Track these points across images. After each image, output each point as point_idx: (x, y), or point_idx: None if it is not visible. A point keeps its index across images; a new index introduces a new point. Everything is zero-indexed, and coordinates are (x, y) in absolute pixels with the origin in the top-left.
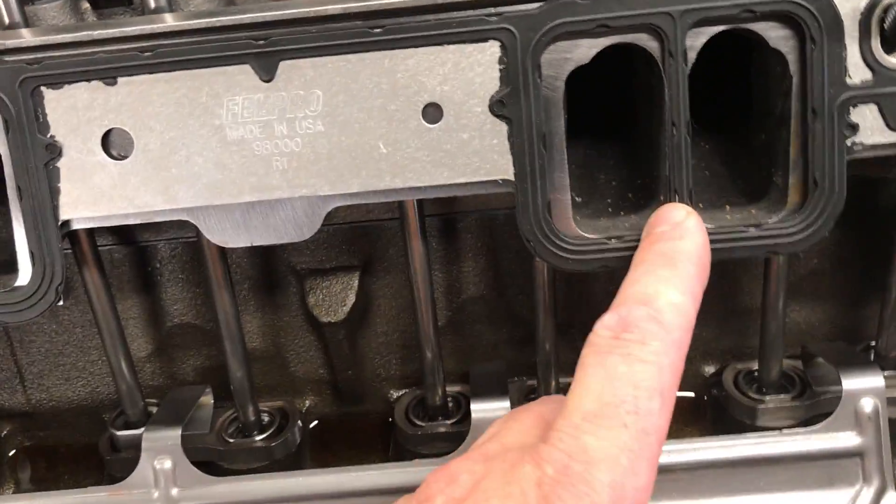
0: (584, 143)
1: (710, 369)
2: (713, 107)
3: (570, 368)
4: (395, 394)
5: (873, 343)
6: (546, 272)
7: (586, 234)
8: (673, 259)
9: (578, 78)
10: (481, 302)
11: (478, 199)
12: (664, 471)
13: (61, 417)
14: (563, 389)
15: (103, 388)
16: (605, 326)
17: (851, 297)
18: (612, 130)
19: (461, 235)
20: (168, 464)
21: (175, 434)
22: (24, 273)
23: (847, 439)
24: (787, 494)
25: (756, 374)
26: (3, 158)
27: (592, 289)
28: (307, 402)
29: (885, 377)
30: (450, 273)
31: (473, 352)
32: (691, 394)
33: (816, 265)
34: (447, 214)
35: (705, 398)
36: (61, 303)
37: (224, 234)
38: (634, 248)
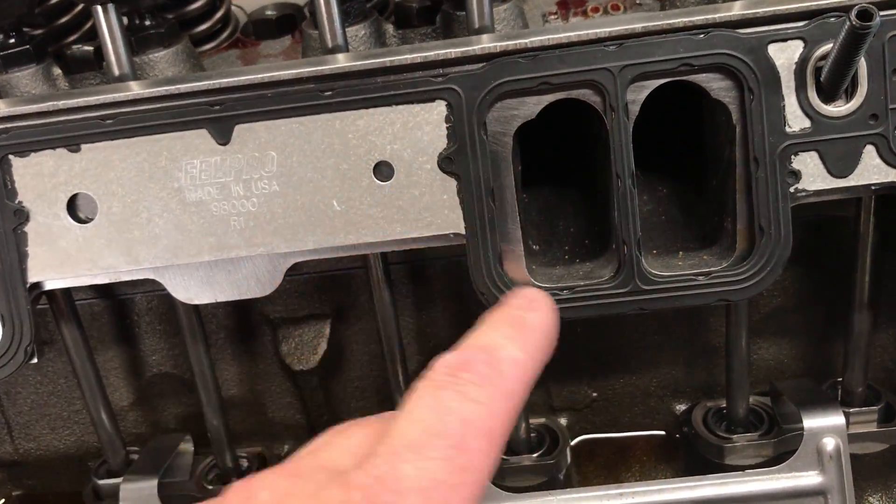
0: (546, 189)
1: (680, 407)
2: (674, 152)
3: (539, 408)
4: None
5: (840, 379)
6: None
7: (540, 284)
8: (521, 324)
9: (543, 125)
10: (451, 347)
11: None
12: None
13: (49, 466)
14: (536, 431)
15: (88, 437)
16: (444, 364)
17: (818, 334)
18: (575, 176)
19: (430, 281)
20: None
21: (152, 484)
22: None
23: (809, 479)
24: None
25: (725, 412)
26: None
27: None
28: (285, 447)
29: (851, 413)
30: (420, 318)
31: None
32: (662, 432)
33: (782, 303)
34: (415, 262)
35: (677, 436)
36: (33, 361)
37: (189, 292)
38: (587, 299)
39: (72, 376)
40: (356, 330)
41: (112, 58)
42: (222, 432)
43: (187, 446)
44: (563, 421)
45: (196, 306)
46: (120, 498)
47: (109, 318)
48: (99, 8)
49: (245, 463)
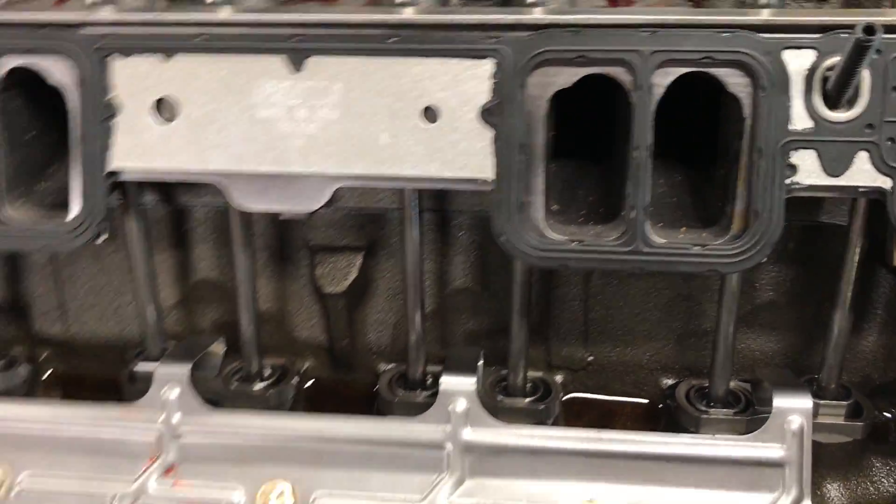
0: (574, 161)
1: (668, 381)
2: (692, 144)
3: (538, 363)
4: (383, 366)
5: (817, 376)
6: (522, 273)
7: (553, 236)
8: None
9: (575, 104)
10: (467, 294)
11: (472, 199)
12: (605, 456)
13: (92, 350)
14: (533, 382)
15: (131, 330)
16: None
17: (805, 331)
18: (599, 153)
19: (455, 231)
20: (175, 393)
21: (184, 369)
22: (74, 209)
23: (772, 451)
24: (713, 492)
25: (707, 390)
26: (71, 112)
27: (566, 294)
28: (306, 363)
29: (821, 405)
30: (441, 263)
31: (455, 338)
32: (647, 401)
33: (774, 298)
34: (445, 212)
35: (660, 406)
36: (102, 238)
37: (246, 199)
38: (593, 253)
39: (126, 271)
40: (384, 267)
41: None
42: (253, 340)
43: (219, 347)
44: (558, 378)
45: (249, 223)
46: (153, 379)
47: (168, 223)
48: None
49: (268, 371)
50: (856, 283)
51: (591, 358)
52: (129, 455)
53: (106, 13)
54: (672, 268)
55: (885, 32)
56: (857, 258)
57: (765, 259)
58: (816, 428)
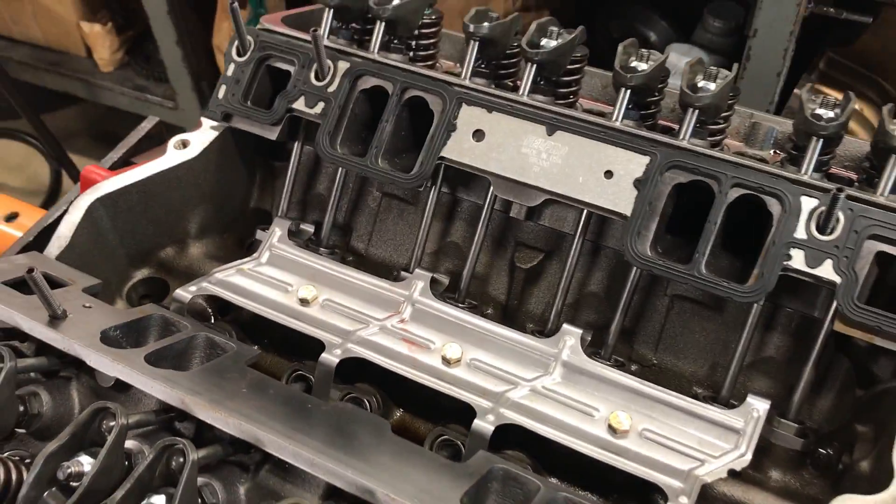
0: (674, 231)
1: (697, 390)
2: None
3: (621, 354)
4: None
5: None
6: (632, 281)
7: (650, 254)
8: None
9: (685, 200)
10: (592, 296)
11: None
12: (632, 391)
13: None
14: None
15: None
16: None
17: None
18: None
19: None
20: (419, 289)
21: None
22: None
23: (733, 420)
24: (696, 432)
25: (716, 397)
26: (435, 125)
27: (655, 305)
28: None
29: (781, 420)
30: (584, 273)
31: (578, 323)
32: None
33: (773, 355)
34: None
35: None
36: (423, 187)
37: (501, 192)
38: (666, 268)
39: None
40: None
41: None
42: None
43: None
44: (633, 367)
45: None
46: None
47: (447, 205)
48: None
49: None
50: (821, 355)
51: (655, 360)
52: (383, 305)
53: (464, 81)
54: (709, 289)
55: (848, 199)
56: (823, 335)
57: (760, 301)
58: (770, 434)
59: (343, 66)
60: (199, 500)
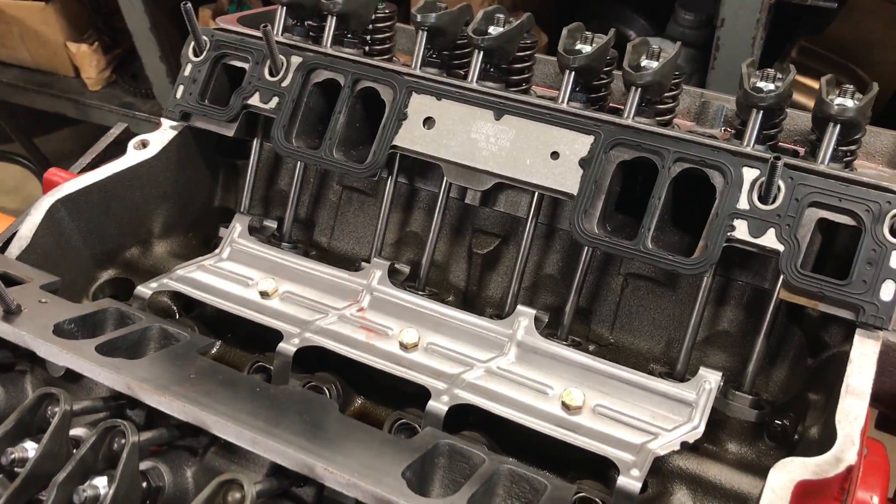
0: (626, 210)
1: (654, 367)
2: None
3: (577, 334)
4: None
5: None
6: (583, 262)
7: (597, 231)
8: None
9: (629, 176)
10: (549, 278)
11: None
12: (584, 367)
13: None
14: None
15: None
16: None
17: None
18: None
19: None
20: (377, 277)
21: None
22: (369, 160)
23: (685, 393)
24: (650, 407)
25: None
26: (386, 114)
27: (609, 284)
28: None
29: (735, 393)
30: (539, 255)
31: (537, 305)
32: None
33: (727, 329)
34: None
35: None
36: (375, 177)
37: (453, 178)
38: (614, 245)
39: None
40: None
41: None
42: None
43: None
44: (591, 347)
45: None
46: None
47: (403, 195)
48: None
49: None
50: (772, 326)
51: (612, 339)
52: (342, 294)
53: (415, 71)
54: (655, 262)
55: (789, 168)
56: (773, 305)
57: (708, 274)
58: (725, 406)
59: (296, 60)
60: (145, 483)
